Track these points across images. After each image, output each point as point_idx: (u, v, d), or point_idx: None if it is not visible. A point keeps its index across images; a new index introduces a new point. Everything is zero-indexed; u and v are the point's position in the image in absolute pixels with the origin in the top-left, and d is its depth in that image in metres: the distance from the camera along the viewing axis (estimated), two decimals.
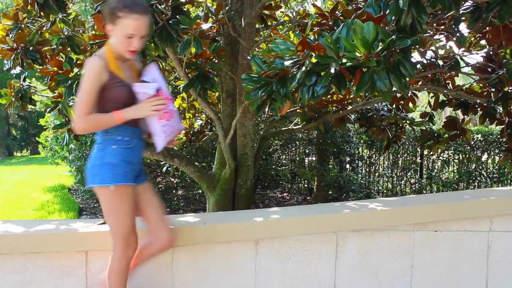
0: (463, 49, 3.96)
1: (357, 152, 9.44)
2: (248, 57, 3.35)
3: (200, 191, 7.65)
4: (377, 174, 9.48)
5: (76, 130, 2.04)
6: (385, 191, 9.24)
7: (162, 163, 5.03)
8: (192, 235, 2.79)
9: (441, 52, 4.12)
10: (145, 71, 2.16)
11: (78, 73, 3.59)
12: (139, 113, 2.06)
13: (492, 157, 8.55)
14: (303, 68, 2.23)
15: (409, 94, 4.35)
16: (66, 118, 3.60)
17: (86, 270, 2.75)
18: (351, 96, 4.28)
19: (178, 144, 2.21)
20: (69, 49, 3.52)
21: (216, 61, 3.83)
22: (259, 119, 6.31)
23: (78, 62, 3.86)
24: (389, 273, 3.00)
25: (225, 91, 3.99)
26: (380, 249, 2.98)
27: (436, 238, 3.01)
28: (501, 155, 7.21)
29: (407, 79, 2.18)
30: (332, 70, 2.15)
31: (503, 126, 4.05)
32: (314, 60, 2.22)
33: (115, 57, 2.09)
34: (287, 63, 2.29)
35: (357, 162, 9.51)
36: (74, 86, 3.36)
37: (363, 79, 2.11)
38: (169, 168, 4.87)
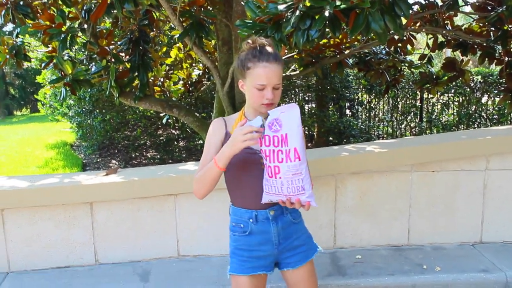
0: None
1: (356, 97, 9.42)
2: (242, 3, 3.28)
3: (201, 142, 7.71)
4: (377, 118, 9.50)
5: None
6: (385, 136, 9.30)
7: (162, 114, 5.04)
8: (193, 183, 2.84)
9: None
10: (278, 111, 1.71)
11: (71, 26, 3.54)
12: (232, 148, 1.70)
13: (492, 98, 8.53)
14: (297, 12, 2.20)
15: (407, 36, 4.28)
16: (62, 72, 3.58)
17: (92, 221, 2.83)
18: (348, 40, 4.22)
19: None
20: (60, 2, 3.44)
21: (211, 8, 3.75)
22: None
23: (70, 15, 3.80)
24: (387, 214, 3.08)
25: (221, 39, 3.93)
26: (378, 190, 3.04)
27: (434, 178, 3.07)
28: (500, 95, 7.20)
29: (402, 19, 2.15)
30: (326, 13, 2.12)
31: (502, 65, 4.02)
32: (307, 3, 2.19)
33: (245, 116, 1.92)
34: (280, 7, 2.26)
35: (356, 107, 9.51)
36: (68, 39, 3.32)
37: (357, 21, 2.08)
38: (169, 120, 4.88)
